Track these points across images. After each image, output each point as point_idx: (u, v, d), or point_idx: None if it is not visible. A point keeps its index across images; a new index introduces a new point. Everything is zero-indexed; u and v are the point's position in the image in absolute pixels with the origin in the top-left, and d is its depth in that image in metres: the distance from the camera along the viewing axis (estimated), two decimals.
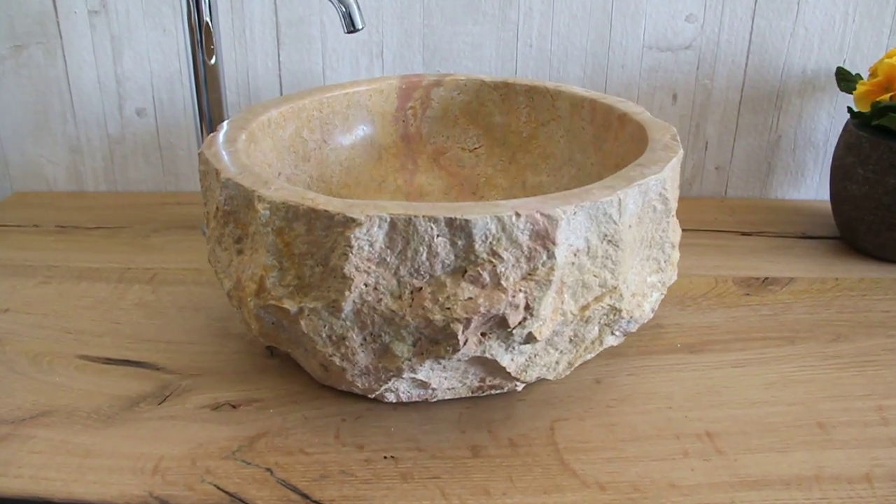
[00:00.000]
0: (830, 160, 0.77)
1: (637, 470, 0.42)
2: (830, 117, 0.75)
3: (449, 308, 0.38)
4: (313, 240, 0.39)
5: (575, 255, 0.39)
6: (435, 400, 0.46)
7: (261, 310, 0.42)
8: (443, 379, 0.43)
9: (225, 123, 0.52)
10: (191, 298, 0.59)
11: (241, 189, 0.41)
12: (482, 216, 0.37)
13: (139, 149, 0.77)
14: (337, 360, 0.41)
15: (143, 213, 0.74)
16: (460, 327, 0.38)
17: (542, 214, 0.38)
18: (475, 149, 0.65)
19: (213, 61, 0.63)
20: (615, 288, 0.42)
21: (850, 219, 0.65)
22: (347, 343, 0.40)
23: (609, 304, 0.42)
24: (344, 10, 0.51)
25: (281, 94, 0.74)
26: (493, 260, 0.38)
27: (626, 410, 0.47)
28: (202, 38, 0.62)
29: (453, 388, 0.45)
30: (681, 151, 0.47)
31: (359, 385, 0.43)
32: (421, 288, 0.38)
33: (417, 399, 0.45)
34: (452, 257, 0.38)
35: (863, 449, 0.44)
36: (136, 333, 0.54)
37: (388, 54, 0.74)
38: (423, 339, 0.40)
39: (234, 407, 0.47)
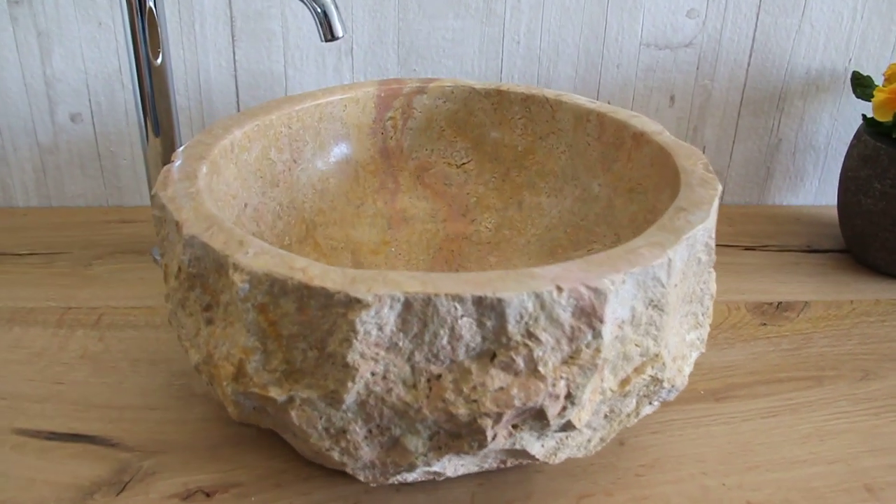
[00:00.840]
0: (836, 167, 0.73)
1: None
2: (833, 119, 0.70)
3: (475, 400, 0.32)
4: (306, 320, 0.31)
5: (620, 327, 0.33)
6: (443, 479, 0.40)
7: (240, 395, 0.35)
8: (458, 466, 0.37)
9: (180, 152, 0.44)
10: (145, 348, 0.51)
11: (211, 251, 0.34)
12: (517, 294, 0.30)
13: (75, 159, 0.67)
14: (336, 455, 0.35)
15: (82, 234, 0.65)
16: (489, 422, 0.32)
17: (587, 287, 0.31)
18: (463, 164, 0.58)
19: (159, 61, 0.54)
20: (657, 355, 0.36)
21: (863, 234, 0.61)
22: (349, 437, 0.34)
23: (651, 375, 0.36)
24: (320, 12, 0.43)
25: (237, 96, 0.66)
26: (529, 343, 0.31)
27: (657, 479, 0.42)
28: (145, 32, 0.53)
29: (466, 466, 0.39)
30: (719, 186, 0.41)
31: (361, 478, 0.36)
32: (440, 375, 0.32)
33: (424, 479, 0.39)
34: (479, 339, 0.31)
35: None
36: (83, 397, 0.46)
37: (358, 52, 0.66)
38: (441, 432, 0.33)
39: (207, 495, 0.40)
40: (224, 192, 0.45)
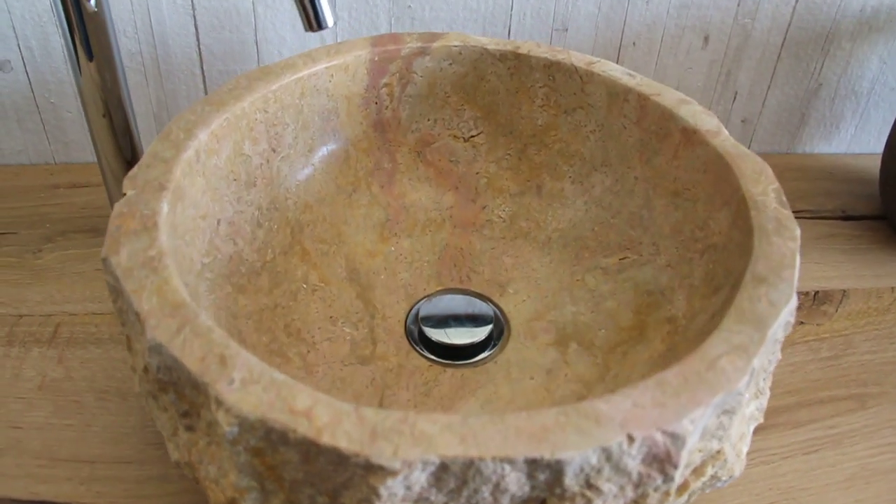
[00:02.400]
0: (876, 114, 0.65)
1: None
2: (882, 62, 0.62)
3: None
4: (314, 471, 0.25)
5: (688, 452, 0.28)
6: None
7: None
8: None
9: (135, 176, 0.35)
10: (112, 374, 0.44)
11: (185, 371, 0.26)
12: (580, 452, 0.24)
13: (10, 112, 0.56)
14: None
15: (29, 205, 0.56)
16: None
17: (664, 433, 0.25)
18: (472, 136, 0.50)
19: (92, 3, 0.43)
20: (720, 452, 0.31)
21: None
22: None
23: (711, 474, 0.31)
24: (308, 1, 0.33)
25: (198, 40, 0.55)
26: (588, 493, 0.26)
27: None
28: None
29: None
30: (797, 229, 0.34)
31: None
32: None
33: None
34: (528, 489, 0.26)
35: None
36: (46, 447, 0.40)
37: None
38: None
39: None
40: (192, 219, 0.36)
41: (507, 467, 0.24)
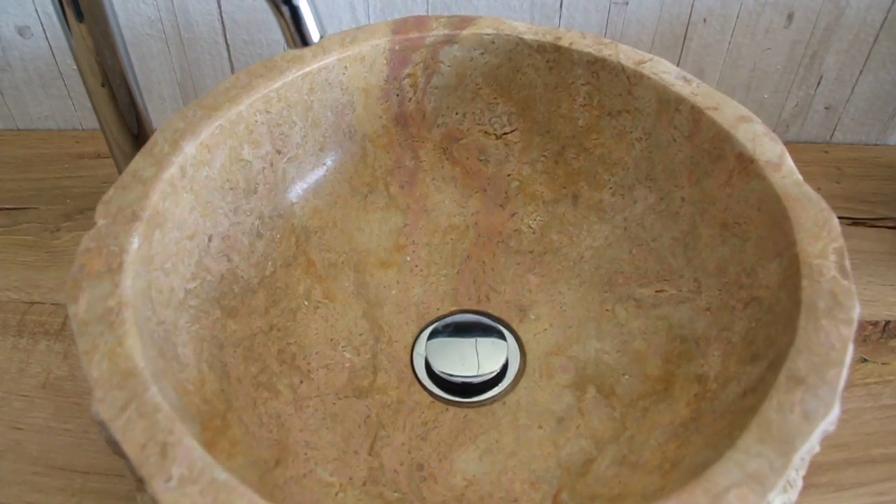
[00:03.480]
0: None
1: None
2: None
3: None
4: None
5: None
6: None
7: None
8: None
9: (112, 198, 0.32)
10: None
11: (126, 458, 0.24)
12: None
13: (34, 78, 0.55)
14: None
15: (51, 177, 0.55)
16: None
17: None
18: (505, 133, 0.45)
19: None
20: None
21: None
22: None
23: None
24: (288, 14, 0.28)
25: (220, 10, 0.51)
26: None
27: None
28: None
29: None
30: (856, 310, 0.28)
31: None
32: None
33: None
34: None
35: None
36: (44, 452, 0.40)
37: None
38: None
39: None
40: (175, 243, 0.34)
41: None
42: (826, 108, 0.55)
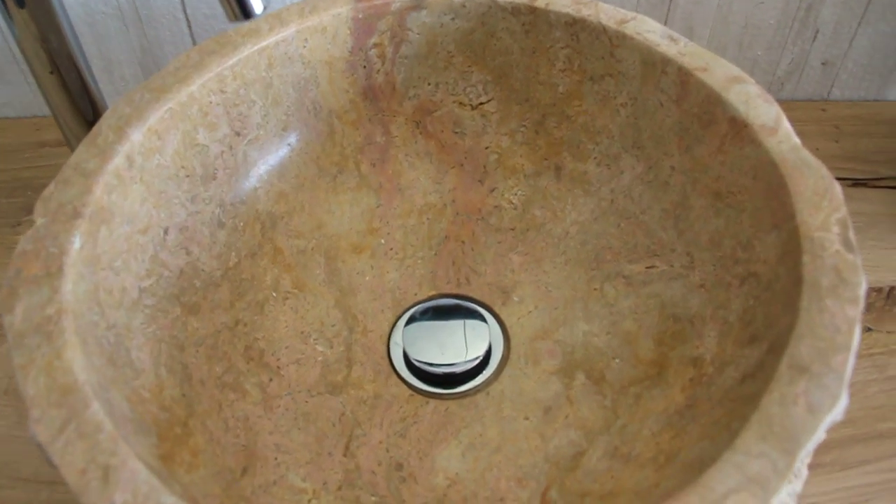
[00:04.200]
0: None
1: None
2: None
3: None
4: None
5: None
6: None
7: None
8: None
9: (52, 194, 0.29)
10: None
11: (67, 483, 0.22)
12: None
13: None
14: None
15: (11, 169, 0.52)
16: None
17: None
18: (481, 104, 0.42)
19: None
20: None
21: None
22: None
23: None
24: None
25: (183, 5, 0.47)
26: None
27: None
28: None
29: None
30: (862, 287, 0.26)
31: None
32: None
33: None
34: None
35: None
36: (6, 463, 0.38)
37: None
38: None
39: None
40: (125, 238, 0.31)
41: None
42: (823, 63, 0.52)
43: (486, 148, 0.42)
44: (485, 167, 0.42)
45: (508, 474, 0.32)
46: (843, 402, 0.23)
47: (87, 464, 0.22)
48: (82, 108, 0.42)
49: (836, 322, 0.25)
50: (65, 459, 0.22)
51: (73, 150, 0.44)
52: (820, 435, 0.23)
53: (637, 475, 0.29)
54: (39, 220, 0.29)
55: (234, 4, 0.26)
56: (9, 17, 0.38)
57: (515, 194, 0.42)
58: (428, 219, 0.42)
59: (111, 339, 0.29)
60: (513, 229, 0.41)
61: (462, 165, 0.42)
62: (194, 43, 0.51)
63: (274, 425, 0.33)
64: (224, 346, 0.34)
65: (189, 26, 0.50)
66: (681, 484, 0.26)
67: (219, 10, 0.49)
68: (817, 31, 0.51)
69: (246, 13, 0.26)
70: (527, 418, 0.34)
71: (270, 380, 0.35)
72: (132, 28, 0.49)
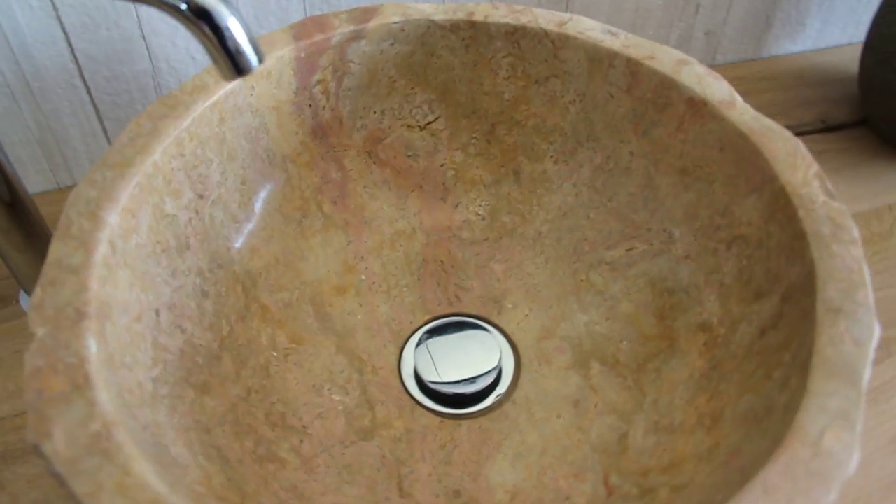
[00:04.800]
0: (841, 3, 0.60)
1: None
2: None
3: None
4: None
5: None
6: None
7: None
8: None
9: (42, 299, 0.26)
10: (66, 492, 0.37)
11: None
12: None
13: None
14: None
15: None
16: None
17: None
18: (429, 123, 0.42)
19: None
20: None
21: None
22: None
23: None
24: (231, 45, 0.24)
25: (70, 46, 0.44)
26: None
27: None
28: None
29: None
30: (855, 229, 0.29)
31: None
32: None
33: None
34: None
35: None
36: None
37: None
38: None
39: None
40: (126, 331, 0.29)
41: None
42: (706, 33, 0.57)
43: (442, 165, 0.43)
44: (444, 185, 0.43)
45: (564, 473, 0.33)
46: (878, 332, 0.26)
47: None
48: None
49: (848, 263, 0.28)
50: None
51: None
52: (870, 364, 0.25)
53: (690, 441, 0.31)
54: (40, 332, 0.26)
55: (229, 61, 0.25)
56: None
57: (480, 205, 0.42)
58: (401, 246, 0.42)
59: (150, 440, 0.26)
60: (486, 239, 0.42)
61: (421, 187, 0.43)
62: (97, 110, 0.47)
63: (323, 486, 0.32)
64: (246, 419, 0.33)
65: (90, 93, 0.46)
66: (743, 439, 0.28)
67: (119, 69, 0.46)
68: (699, 6, 0.55)
69: (239, 70, 0.25)
70: (559, 416, 0.35)
71: (301, 441, 0.33)
72: (25, 104, 0.45)
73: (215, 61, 0.25)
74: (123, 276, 0.30)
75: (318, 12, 0.48)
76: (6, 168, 0.38)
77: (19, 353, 0.42)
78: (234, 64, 0.25)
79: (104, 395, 0.24)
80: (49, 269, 0.28)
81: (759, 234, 0.32)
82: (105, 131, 0.49)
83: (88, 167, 0.50)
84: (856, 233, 0.29)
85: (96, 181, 0.31)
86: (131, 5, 0.43)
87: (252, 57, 0.25)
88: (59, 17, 0.42)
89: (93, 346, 0.26)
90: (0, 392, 0.41)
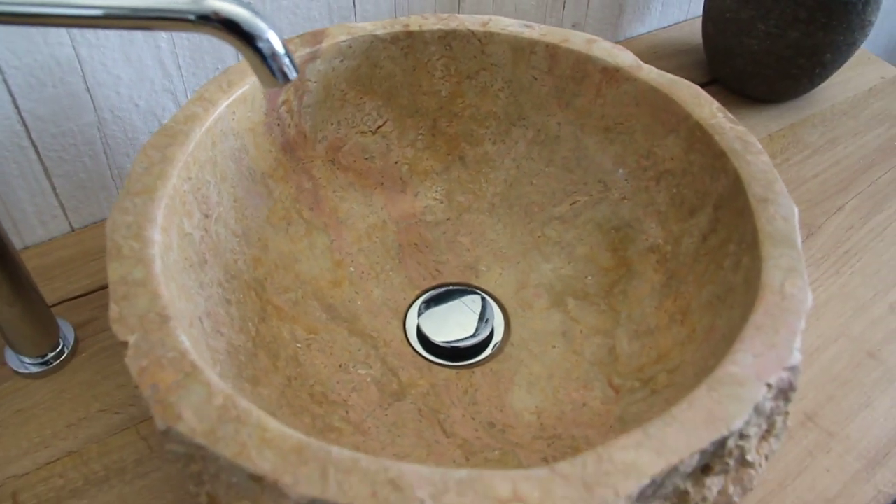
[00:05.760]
0: (703, 4, 0.72)
1: None
2: None
3: None
4: None
5: None
6: None
7: None
8: None
9: (121, 313, 0.29)
10: None
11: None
12: (743, 416, 0.27)
13: None
14: None
15: None
16: None
17: (786, 370, 0.28)
18: (379, 127, 0.47)
19: None
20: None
21: (743, 71, 0.62)
22: None
23: None
24: (267, 52, 0.28)
25: (17, 109, 0.45)
26: (742, 443, 0.28)
27: None
28: None
29: None
30: (758, 143, 0.38)
31: None
32: None
33: None
34: (698, 462, 0.28)
35: None
36: None
37: None
38: None
39: None
40: (191, 338, 0.32)
41: (697, 456, 0.26)
42: (573, 25, 0.67)
43: (396, 162, 0.48)
44: (401, 178, 0.48)
45: (574, 387, 0.39)
46: (795, 210, 0.34)
47: (371, 488, 0.24)
48: None
49: (762, 167, 0.36)
50: (348, 495, 0.24)
51: None
52: (799, 233, 0.34)
53: (669, 335, 0.38)
54: (131, 338, 0.29)
55: (275, 70, 0.29)
56: None
57: (437, 191, 0.48)
58: (378, 237, 0.46)
59: None
60: (448, 219, 0.48)
61: (382, 184, 0.48)
62: (45, 169, 0.48)
63: (379, 443, 0.36)
64: (296, 402, 0.36)
65: (37, 151, 0.47)
66: (714, 318, 0.35)
67: (66, 125, 0.47)
68: (564, 3, 0.64)
69: (286, 77, 0.29)
70: (554, 346, 0.42)
71: (346, 412, 0.37)
72: None
73: (259, 75, 0.29)
74: (172, 287, 0.33)
75: None
76: None
77: (20, 412, 0.43)
78: (282, 73, 0.29)
79: (215, 378, 0.28)
80: (116, 287, 0.30)
81: (682, 164, 0.41)
82: (54, 188, 0.49)
83: (38, 227, 0.50)
84: (759, 146, 0.37)
85: (128, 208, 0.33)
86: (76, 61, 0.45)
87: (292, 70, 0.29)
88: (4, 80, 0.44)
89: (186, 341, 0.29)
90: (15, 450, 0.41)
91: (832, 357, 0.47)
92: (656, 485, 0.26)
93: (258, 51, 0.28)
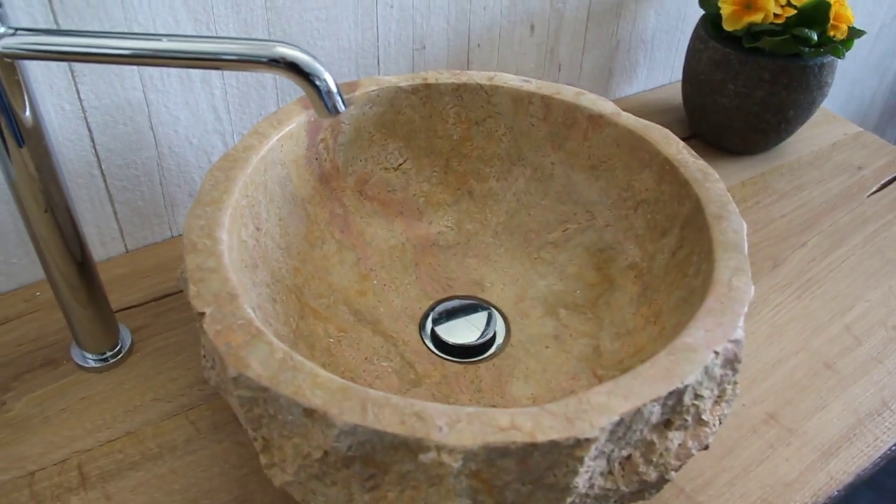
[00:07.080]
0: (660, 55, 0.81)
1: None
2: (657, 14, 0.77)
3: (663, 464, 0.35)
4: (526, 468, 0.31)
5: None
6: None
7: None
8: None
9: (198, 291, 0.36)
10: (171, 487, 0.44)
11: (388, 436, 0.31)
12: (695, 374, 0.33)
13: None
14: None
15: None
16: (673, 474, 0.36)
17: (731, 342, 0.35)
18: (400, 165, 0.56)
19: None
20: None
21: (718, 126, 0.71)
22: None
23: None
24: (326, 89, 0.36)
25: (93, 143, 0.53)
26: (697, 402, 0.35)
27: None
28: None
29: None
30: (716, 174, 0.46)
31: None
32: (629, 455, 0.35)
33: None
34: (659, 415, 0.34)
35: None
36: None
37: None
38: (625, 495, 0.37)
39: None
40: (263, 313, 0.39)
41: (657, 405, 0.33)
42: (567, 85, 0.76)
43: (414, 195, 0.56)
44: (418, 208, 0.56)
45: (563, 378, 0.46)
46: (744, 225, 0.42)
47: (401, 417, 0.31)
48: (72, 249, 0.45)
49: (718, 192, 0.44)
50: (384, 423, 0.31)
51: (59, 291, 0.47)
52: (746, 243, 0.41)
53: (644, 334, 0.45)
54: (208, 310, 0.36)
55: (329, 105, 0.37)
56: (7, 156, 0.40)
57: (448, 220, 0.56)
58: (397, 256, 0.54)
59: None
60: (458, 243, 0.55)
61: (402, 213, 0.55)
62: (110, 196, 0.56)
63: None
64: None
65: (105, 180, 0.55)
66: (681, 316, 0.42)
67: (131, 158, 0.56)
68: (560, 65, 0.74)
69: (337, 110, 0.37)
70: (547, 347, 0.48)
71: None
72: None
73: (316, 106, 0.37)
74: (234, 279, 0.40)
75: (288, 99, 0.60)
76: (80, 231, 0.46)
77: (84, 398, 0.49)
78: (335, 107, 0.37)
79: (275, 341, 0.35)
80: (194, 272, 0.38)
81: (655, 194, 0.48)
82: (115, 213, 0.57)
83: (99, 247, 0.58)
84: (717, 175, 0.45)
85: (200, 214, 0.41)
86: (144, 104, 0.54)
87: (340, 104, 0.38)
88: (85, 118, 0.52)
89: (251, 313, 0.36)
90: (80, 430, 0.47)
91: (793, 367, 0.53)
92: (626, 426, 0.32)
93: (316, 88, 0.36)
